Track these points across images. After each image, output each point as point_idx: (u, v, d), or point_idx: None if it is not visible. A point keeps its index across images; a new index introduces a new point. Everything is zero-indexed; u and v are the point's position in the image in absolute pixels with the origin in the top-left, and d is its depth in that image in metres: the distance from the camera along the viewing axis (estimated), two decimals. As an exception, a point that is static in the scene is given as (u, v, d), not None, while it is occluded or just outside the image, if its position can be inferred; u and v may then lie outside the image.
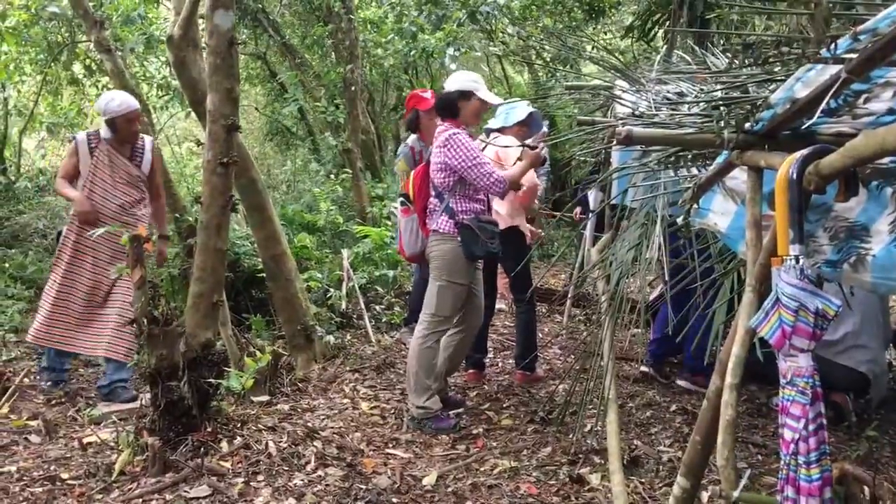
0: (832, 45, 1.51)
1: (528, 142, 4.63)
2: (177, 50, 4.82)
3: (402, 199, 4.78)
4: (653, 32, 7.40)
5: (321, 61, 12.64)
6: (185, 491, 3.37)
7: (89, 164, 4.84)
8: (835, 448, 4.05)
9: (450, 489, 3.57)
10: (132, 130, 4.88)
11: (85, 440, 3.96)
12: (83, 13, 6.57)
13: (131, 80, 8.81)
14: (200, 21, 5.44)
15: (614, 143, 2.42)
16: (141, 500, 3.32)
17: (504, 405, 4.78)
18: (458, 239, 4.24)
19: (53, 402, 4.75)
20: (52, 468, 3.68)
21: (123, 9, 9.10)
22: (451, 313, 4.36)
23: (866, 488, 3.62)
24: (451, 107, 4.33)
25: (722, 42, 4.43)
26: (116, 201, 4.86)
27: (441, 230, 4.29)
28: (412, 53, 10.43)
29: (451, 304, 4.33)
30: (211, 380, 3.86)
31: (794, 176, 1.56)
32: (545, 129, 5.30)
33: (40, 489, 3.46)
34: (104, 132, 4.88)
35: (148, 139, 5.13)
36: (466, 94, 4.31)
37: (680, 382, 5.06)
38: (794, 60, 1.65)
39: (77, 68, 11.14)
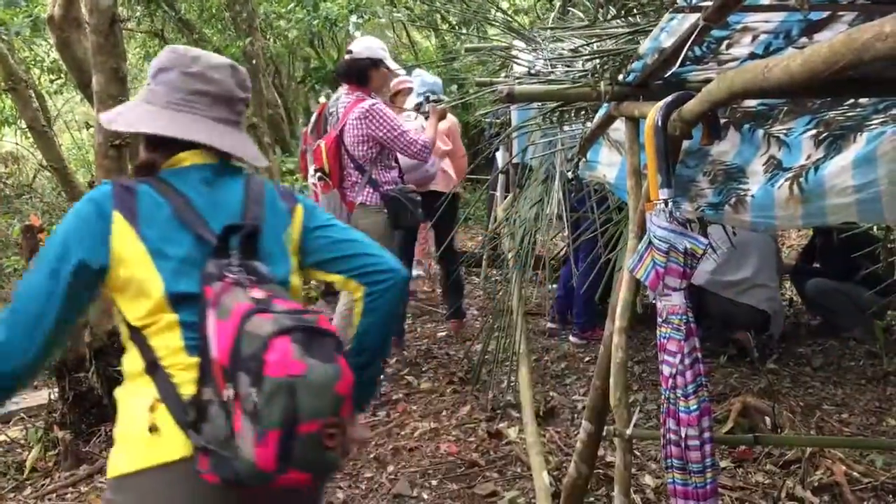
0: (688, -6, 1.56)
1: (431, 97, 4.67)
2: (59, 31, 4.63)
3: (318, 174, 4.62)
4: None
5: (220, 36, 12.30)
6: (101, 482, 3.32)
7: None
8: (739, 383, 4.24)
9: (371, 455, 3.61)
10: None
11: (-7, 440, 3.85)
12: (-42, -3, 6.24)
13: (19, 65, 8.42)
14: (84, -1, 5.23)
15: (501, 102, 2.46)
16: (55, 494, 3.26)
17: (423, 369, 4.83)
18: (385, 211, 4.22)
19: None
20: (-42, 471, 3.57)
21: (4, -10, 8.65)
22: None
23: (767, 418, 3.83)
24: (362, 74, 4.26)
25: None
26: None
27: (367, 203, 4.23)
28: (315, 23, 10.24)
29: None
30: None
31: (660, 123, 1.61)
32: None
33: (-53, 494, 3.36)
34: None
35: None
36: (377, 63, 4.26)
37: (572, 339, 5.19)
38: (654, 11, 1.70)
39: (-40, 56, 10.58)
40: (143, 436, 1.41)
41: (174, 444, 1.40)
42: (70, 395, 3.61)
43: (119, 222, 1.46)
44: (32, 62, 10.98)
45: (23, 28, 8.87)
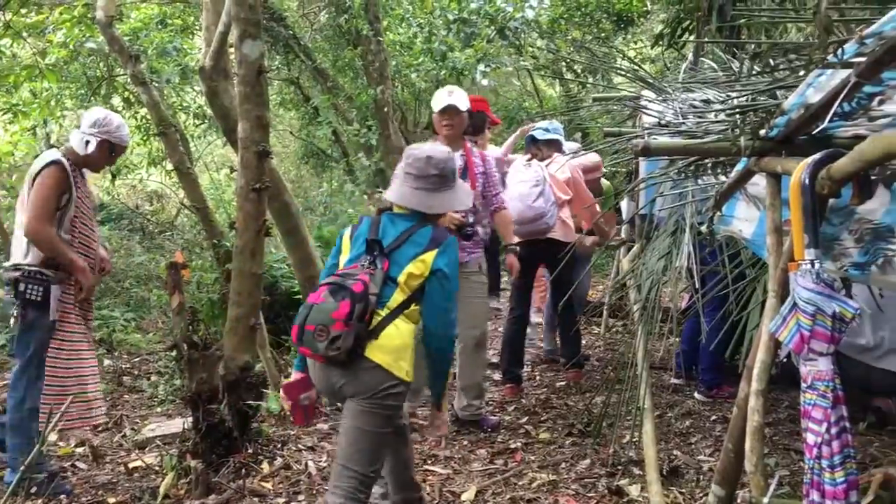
0: (839, 51, 1.52)
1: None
2: (208, 80, 4.93)
3: None
4: (683, 40, 7.35)
5: (352, 84, 12.78)
6: (228, 512, 3.43)
7: (74, 196, 3.71)
8: (879, 453, 3.98)
9: (489, 503, 3.58)
10: (110, 163, 4.06)
11: (130, 465, 4.05)
12: (119, 48, 6.74)
13: (168, 110, 9.01)
14: (231, 50, 5.56)
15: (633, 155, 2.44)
16: (185, 521, 3.39)
17: (542, 419, 4.77)
18: None
19: (100, 428, 4.85)
20: (99, 493, 3.77)
21: (158, 42, 9.32)
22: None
23: (912, 493, 3.55)
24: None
25: (752, 48, 4.42)
26: (94, 242, 3.88)
27: None
28: (443, 73, 10.51)
29: None
30: (251, 402, 3.93)
31: (807, 181, 1.57)
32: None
33: (89, 513, 3.55)
34: (82, 149, 3.73)
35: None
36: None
37: (697, 396, 5.02)
38: (803, 67, 1.66)
39: (116, 101, 11.41)
40: None
41: None
42: (203, 425, 3.76)
43: (347, 232, 2.97)
44: (180, 107, 11.72)
45: (173, 76, 9.53)
